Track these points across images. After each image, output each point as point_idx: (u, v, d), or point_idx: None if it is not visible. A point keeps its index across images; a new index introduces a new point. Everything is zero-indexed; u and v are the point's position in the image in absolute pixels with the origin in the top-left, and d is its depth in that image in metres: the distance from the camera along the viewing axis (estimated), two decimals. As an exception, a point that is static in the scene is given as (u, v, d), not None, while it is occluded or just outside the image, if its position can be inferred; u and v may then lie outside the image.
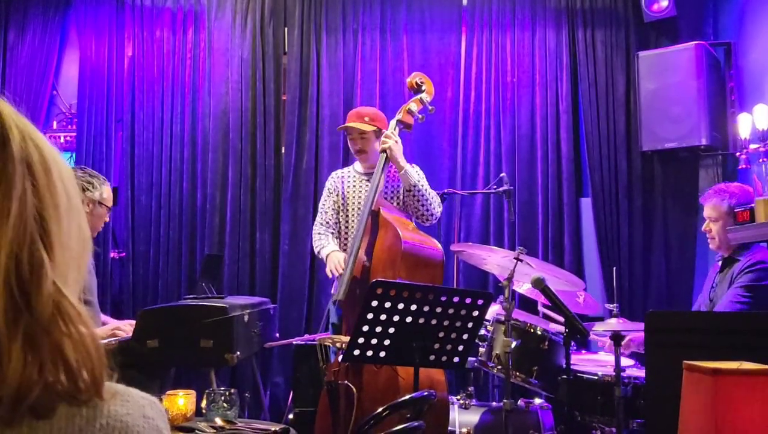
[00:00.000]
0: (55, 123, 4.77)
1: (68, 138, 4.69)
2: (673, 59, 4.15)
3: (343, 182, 3.44)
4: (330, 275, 3.18)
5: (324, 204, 3.47)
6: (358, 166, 3.48)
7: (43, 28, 4.64)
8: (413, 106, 3.27)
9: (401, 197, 3.33)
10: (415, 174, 3.27)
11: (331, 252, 3.24)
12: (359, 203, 3.34)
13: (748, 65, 4.11)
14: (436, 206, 3.29)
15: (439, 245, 3.03)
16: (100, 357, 0.67)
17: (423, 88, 3.31)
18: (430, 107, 3.27)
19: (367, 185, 3.32)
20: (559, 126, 4.48)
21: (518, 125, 4.53)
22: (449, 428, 3.02)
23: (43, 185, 0.67)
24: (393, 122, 3.27)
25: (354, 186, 3.41)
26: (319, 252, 3.34)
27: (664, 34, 4.49)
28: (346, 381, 2.82)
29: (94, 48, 4.67)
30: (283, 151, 4.65)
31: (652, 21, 4.40)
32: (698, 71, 4.04)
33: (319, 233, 3.42)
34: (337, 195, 3.43)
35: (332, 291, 3.26)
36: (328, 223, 3.41)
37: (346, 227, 3.38)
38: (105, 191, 3.03)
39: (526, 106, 4.54)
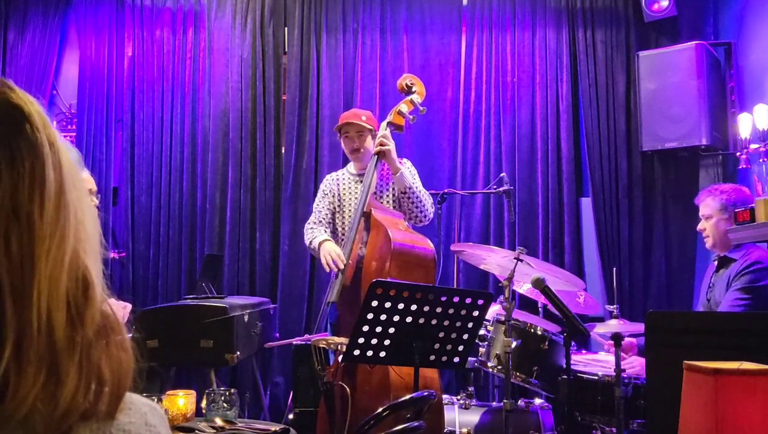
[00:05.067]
0: (55, 123, 4.77)
1: (68, 138, 4.69)
2: (674, 59, 4.14)
3: (338, 184, 3.44)
4: (327, 268, 3.13)
5: (318, 204, 3.45)
6: (351, 168, 3.48)
7: (43, 28, 4.63)
8: (404, 107, 3.27)
9: (395, 195, 3.33)
10: (410, 176, 3.27)
11: (324, 241, 3.20)
12: (354, 204, 3.34)
13: (748, 65, 4.11)
14: (429, 206, 3.29)
15: (431, 245, 3.02)
16: (128, 374, 0.66)
17: (414, 89, 3.31)
18: (421, 108, 3.27)
19: (361, 186, 3.32)
20: (559, 126, 4.48)
21: (518, 125, 4.53)
22: (449, 428, 3.02)
23: (80, 189, 0.68)
24: (384, 124, 3.26)
25: (349, 188, 3.41)
26: (311, 243, 3.29)
27: (664, 34, 4.49)
28: (340, 382, 2.82)
29: (94, 48, 4.67)
30: (283, 151, 4.65)
31: (653, 21, 4.40)
32: (698, 71, 4.04)
33: (312, 227, 3.39)
34: (333, 197, 3.43)
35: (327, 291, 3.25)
36: (321, 222, 3.40)
37: (343, 229, 3.37)
38: None
39: (526, 106, 4.54)
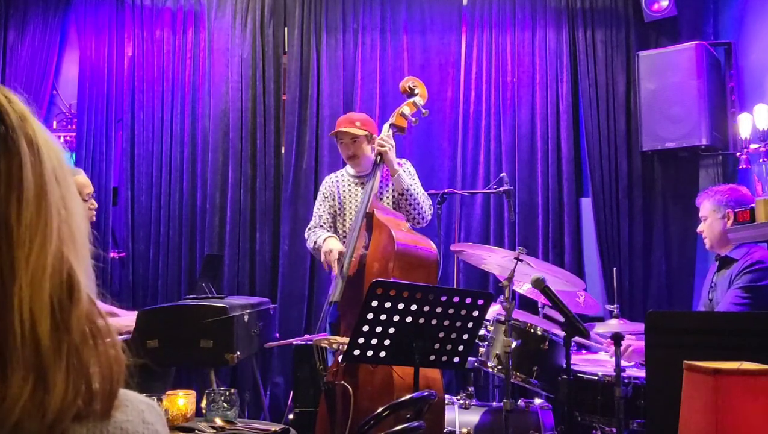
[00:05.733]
0: (55, 123, 4.77)
1: (68, 138, 4.69)
2: (674, 59, 4.14)
3: (338, 186, 3.44)
4: (326, 266, 3.12)
5: (319, 208, 3.46)
6: (350, 169, 3.48)
7: (43, 28, 4.63)
8: (406, 109, 3.28)
9: (395, 196, 3.33)
10: (408, 178, 3.27)
11: (328, 237, 3.20)
12: (355, 205, 3.35)
13: (748, 65, 4.11)
14: (427, 208, 3.30)
15: (434, 246, 3.02)
16: (120, 371, 0.65)
17: (416, 91, 3.33)
18: (423, 110, 3.28)
19: (361, 188, 3.33)
20: (559, 126, 4.48)
21: (518, 125, 4.53)
22: (449, 428, 3.02)
23: (65, 186, 0.65)
24: (386, 126, 3.28)
25: (349, 189, 3.42)
26: (315, 243, 3.28)
27: (664, 34, 4.49)
28: (342, 382, 2.82)
29: (94, 48, 4.67)
30: (283, 151, 4.65)
31: (653, 21, 4.40)
32: (698, 71, 4.04)
33: (315, 231, 3.39)
34: (333, 199, 3.43)
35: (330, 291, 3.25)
36: (322, 226, 3.40)
37: (344, 231, 3.38)
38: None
39: (526, 106, 4.54)
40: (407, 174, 3.32)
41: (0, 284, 0.58)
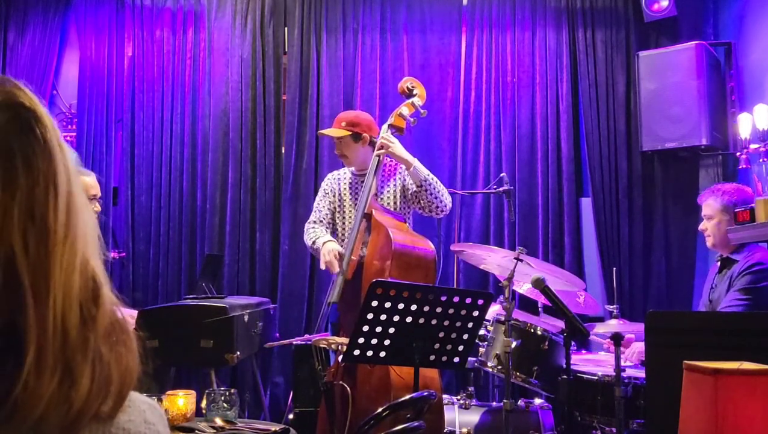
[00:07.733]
0: (55, 123, 4.76)
1: (68, 138, 4.69)
2: (674, 59, 4.14)
3: (339, 183, 3.44)
4: (323, 267, 3.13)
5: (319, 204, 3.45)
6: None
7: (43, 28, 4.63)
8: (405, 110, 3.27)
9: (397, 197, 3.32)
10: (424, 168, 3.25)
11: (327, 241, 3.19)
12: (355, 204, 3.34)
13: (748, 65, 4.11)
14: (447, 195, 3.28)
15: (432, 245, 3.01)
16: (133, 374, 0.66)
17: (415, 92, 3.32)
18: (422, 111, 3.27)
19: (362, 186, 3.32)
20: (559, 126, 4.48)
21: (518, 125, 4.53)
22: (449, 428, 3.02)
23: (83, 190, 0.68)
24: (385, 127, 3.27)
25: (349, 188, 3.41)
26: (314, 242, 3.28)
27: (664, 34, 4.49)
28: (340, 382, 2.82)
29: (94, 48, 4.67)
30: (283, 151, 4.65)
31: (653, 21, 4.40)
32: (698, 71, 4.04)
33: (313, 226, 3.39)
34: (334, 196, 3.43)
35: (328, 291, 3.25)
36: (321, 221, 3.40)
37: (343, 229, 3.37)
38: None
39: (526, 106, 4.54)
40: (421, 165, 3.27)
41: (35, 280, 0.60)
